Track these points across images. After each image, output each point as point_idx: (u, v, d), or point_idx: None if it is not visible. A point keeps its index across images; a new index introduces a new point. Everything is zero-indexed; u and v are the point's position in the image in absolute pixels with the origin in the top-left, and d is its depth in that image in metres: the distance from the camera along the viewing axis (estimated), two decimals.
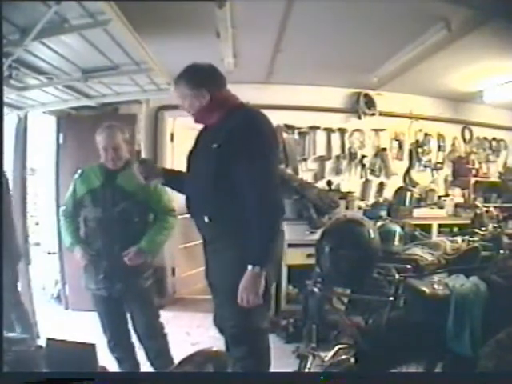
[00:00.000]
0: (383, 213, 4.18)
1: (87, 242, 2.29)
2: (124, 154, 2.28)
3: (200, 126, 1.90)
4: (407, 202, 4.54)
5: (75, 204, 2.31)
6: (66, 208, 2.36)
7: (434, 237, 3.83)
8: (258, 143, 1.66)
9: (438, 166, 4.95)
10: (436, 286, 1.84)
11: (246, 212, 1.64)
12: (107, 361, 1.63)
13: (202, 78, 1.76)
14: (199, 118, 1.82)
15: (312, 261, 2.17)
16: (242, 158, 1.64)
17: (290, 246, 3.67)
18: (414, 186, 4.76)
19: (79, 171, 2.35)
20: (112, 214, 2.20)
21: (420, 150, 4.87)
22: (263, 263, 1.62)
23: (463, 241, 2.68)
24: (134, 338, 2.42)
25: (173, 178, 1.97)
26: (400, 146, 4.84)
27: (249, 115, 1.74)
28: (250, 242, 1.62)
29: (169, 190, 2.22)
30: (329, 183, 4.47)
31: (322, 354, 2.11)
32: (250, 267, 1.62)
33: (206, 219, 1.73)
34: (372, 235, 1.99)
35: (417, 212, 4.41)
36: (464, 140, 5.07)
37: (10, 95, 2.78)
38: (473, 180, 4.90)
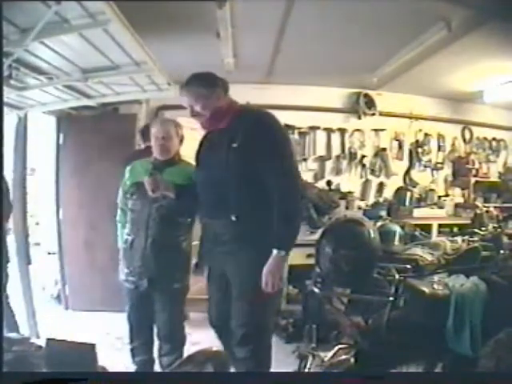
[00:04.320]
0: (383, 213, 4.19)
1: (128, 233, 2.31)
2: (173, 147, 2.29)
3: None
4: (407, 202, 4.54)
5: (124, 196, 2.37)
6: (119, 199, 2.43)
7: (434, 237, 3.83)
8: (277, 139, 1.81)
9: (438, 165, 4.95)
10: (436, 286, 1.84)
11: (271, 207, 1.74)
12: (107, 361, 1.62)
13: (215, 80, 1.88)
14: (210, 121, 1.88)
15: (312, 261, 2.17)
16: (264, 154, 1.75)
17: None
18: (414, 186, 4.76)
19: (130, 165, 2.40)
20: (150, 209, 2.22)
21: (420, 149, 4.87)
22: (288, 248, 1.75)
23: (463, 241, 2.68)
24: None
25: (185, 192, 2.06)
26: (400, 146, 4.84)
27: (262, 115, 1.86)
28: (276, 229, 1.73)
29: None
30: (329, 183, 4.47)
31: (322, 354, 2.11)
32: (275, 251, 1.73)
33: (233, 218, 1.79)
34: (372, 235, 1.99)
35: (417, 212, 4.42)
36: (464, 140, 5.07)
37: (9, 95, 2.77)
38: (473, 180, 4.90)
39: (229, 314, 1.92)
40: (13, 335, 1.99)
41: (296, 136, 4.54)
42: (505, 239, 2.58)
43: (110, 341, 3.13)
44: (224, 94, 1.88)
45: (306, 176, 4.42)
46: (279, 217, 1.74)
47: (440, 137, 4.96)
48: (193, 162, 2.09)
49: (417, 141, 4.86)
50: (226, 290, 1.94)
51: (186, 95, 1.86)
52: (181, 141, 2.33)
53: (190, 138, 2.37)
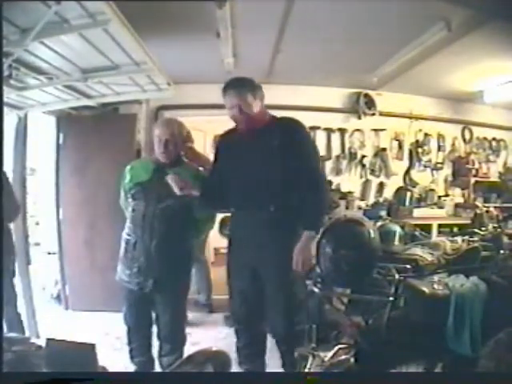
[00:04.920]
0: (383, 213, 4.18)
1: (129, 233, 2.29)
2: (176, 149, 2.27)
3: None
4: (407, 202, 4.55)
5: (125, 196, 2.35)
6: (121, 201, 2.43)
7: (434, 237, 3.82)
8: (309, 140, 2.22)
9: (438, 165, 4.96)
10: (436, 286, 1.84)
11: (299, 198, 2.03)
12: (107, 361, 1.62)
13: (257, 85, 2.11)
14: (252, 122, 2.07)
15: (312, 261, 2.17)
16: (300, 152, 2.06)
17: None
18: (413, 186, 4.77)
19: (129, 165, 2.38)
20: (155, 209, 2.20)
21: (420, 149, 4.88)
22: (318, 229, 1.97)
23: (463, 241, 2.67)
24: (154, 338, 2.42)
25: (210, 190, 2.18)
26: (400, 146, 4.85)
27: (295, 120, 2.17)
28: (308, 214, 2.02)
29: None
30: (329, 183, 4.47)
31: (322, 354, 2.10)
32: (306, 232, 2.01)
33: (272, 208, 2.03)
34: (372, 235, 1.98)
35: (417, 212, 4.42)
36: (464, 140, 5.07)
37: (9, 95, 2.77)
38: (473, 180, 4.91)
39: (257, 311, 2.15)
40: (13, 335, 1.99)
41: None
42: (505, 239, 2.58)
43: (110, 341, 3.12)
44: (263, 98, 2.12)
45: None
46: (311, 203, 2.03)
47: (440, 137, 4.97)
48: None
49: (417, 141, 4.87)
50: (256, 286, 2.11)
51: (235, 96, 2.03)
52: (184, 141, 2.32)
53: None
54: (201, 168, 2.58)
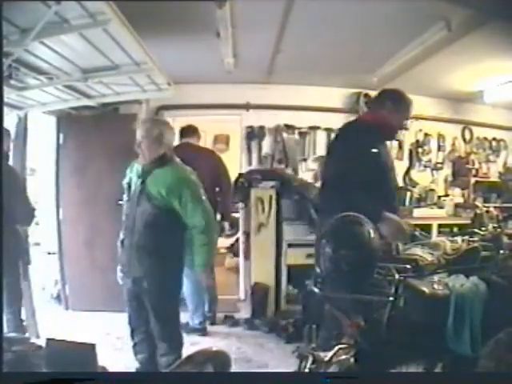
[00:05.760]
0: None
1: (122, 231, 2.34)
2: (152, 152, 2.21)
3: None
4: (407, 202, 4.54)
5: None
6: None
7: (434, 237, 3.82)
8: None
9: (438, 165, 4.95)
10: (436, 286, 1.83)
11: None
12: (107, 361, 1.63)
13: None
14: None
15: (312, 261, 2.17)
16: None
17: (290, 246, 3.68)
18: (413, 186, 4.76)
19: (132, 162, 2.40)
20: (134, 212, 2.22)
21: (420, 149, 4.88)
22: None
23: (463, 241, 2.67)
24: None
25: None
26: (400, 146, 4.84)
27: None
28: None
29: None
30: None
31: (322, 354, 2.10)
32: None
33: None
34: (372, 235, 1.98)
35: (417, 212, 4.41)
36: (464, 140, 5.07)
37: (10, 95, 2.78)
38: (473, 180, 4.90)
39: None
40: (13, 335, 2.00)
41: (296, 136, 4.54)
42: (505, 239, 2.57)
43: (110, 341, 3.13)
44: None
45: (306, 176, 4.43)
46: None
47: (440, 137, 4.96)
48: None
49: (417, 141, 4.86)
50: None
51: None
52: (160, 142, 2.22)
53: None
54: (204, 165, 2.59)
